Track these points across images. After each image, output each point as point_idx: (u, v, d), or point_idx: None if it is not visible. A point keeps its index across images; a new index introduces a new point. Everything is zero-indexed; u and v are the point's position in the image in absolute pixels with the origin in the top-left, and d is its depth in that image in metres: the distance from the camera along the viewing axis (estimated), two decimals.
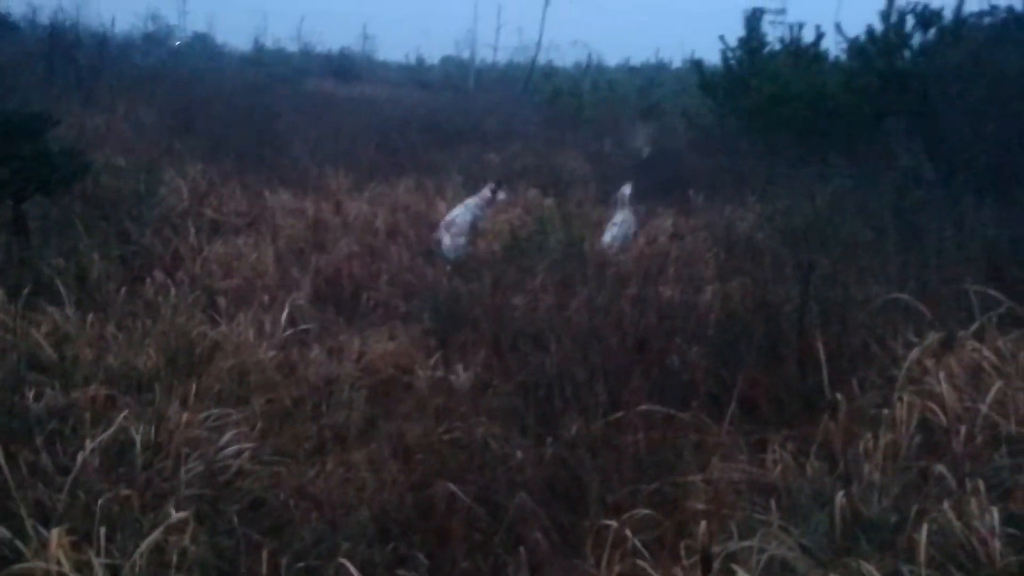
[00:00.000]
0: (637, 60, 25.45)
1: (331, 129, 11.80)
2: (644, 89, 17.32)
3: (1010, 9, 10.06)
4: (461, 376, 4.30)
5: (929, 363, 3.24)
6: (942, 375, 3.02)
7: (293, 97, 16.12)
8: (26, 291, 4.31)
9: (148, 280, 5.09)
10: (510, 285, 5.23)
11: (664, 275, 5.63)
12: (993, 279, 4.33)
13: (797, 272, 4.19)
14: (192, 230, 6.10)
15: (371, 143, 10.93)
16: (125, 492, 2.71)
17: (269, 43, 29.08)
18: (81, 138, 8.87)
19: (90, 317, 4.39)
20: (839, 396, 3.19)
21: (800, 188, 7.44)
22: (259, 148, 9.45)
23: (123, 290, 4.84)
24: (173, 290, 4.88)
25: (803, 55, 11.06)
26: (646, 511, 2.78)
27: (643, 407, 3.60)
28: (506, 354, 4.46)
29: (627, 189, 6.88)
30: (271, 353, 4.37)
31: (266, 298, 5.09)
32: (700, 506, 2.80)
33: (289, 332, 4.69)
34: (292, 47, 29.25)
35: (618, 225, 6.56)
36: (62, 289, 4.51)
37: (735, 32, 11.73)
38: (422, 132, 12.33)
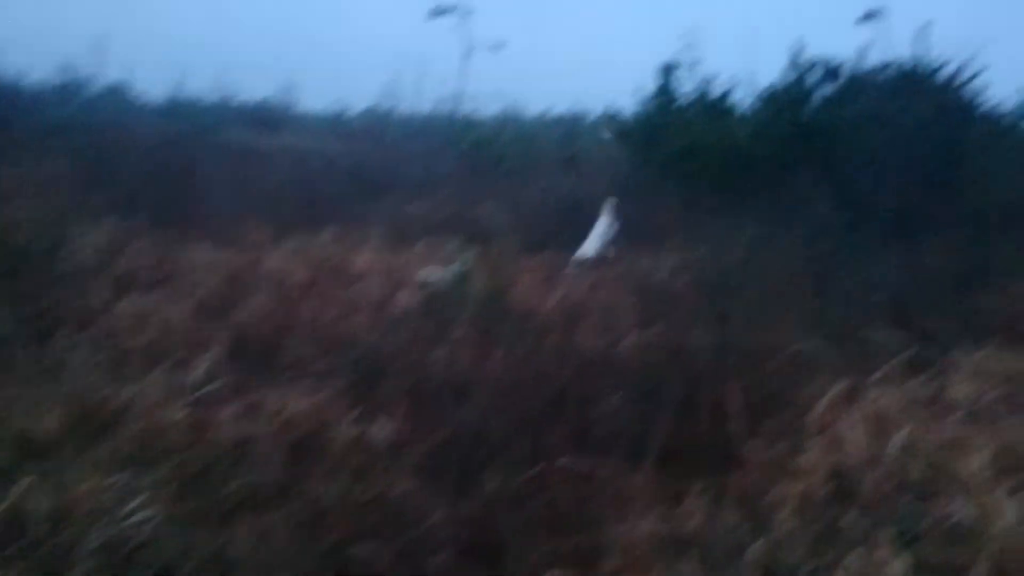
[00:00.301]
0: (557, 110, 25.81)
1: (251, 181, 11.64)
2: (563, 139, 17.59)
3: (901, 66, 10.61)
4: (380, 432, 4.24)
5: (838, 410, 3.32)
6: (851, 422, 3.09)
7: (212, 148, 15.89)
8: None
9: (55, 338, 4.91)
10: (430, 338, 5.21)
11: (584, 324, 5.70)
12: (898, 323, 4.50)
13: (712, 321, 4.28)
14: (103, 286, 5.93)
15: (291, 195, 10.82)
16: (22, 568, 2.58)
17: (188, 94, 28.64)
18: None
19: None
20: (751, 446, 3.24)
21: (715, 237, 7.65)
22: (176, 201, 9.26)
23: (28, 350, 4.67)
24: (81, 349, 4.72)
25: (714, 107, 11.41)
26: (563, 571, 2.77)
27: (563, 459, 3.60)
28: (426, 408, 4.43)
29: (611, 201, 7.91)
30: (183, 413, 4.25)
31: (179, 355, 4.96)
32: (618, 562, 2.79)
33: (203, 390, 4.57)
34: (212, 98, 28.86)
35: (600, 233, 7.36)
36: None
37: (650, 84, 12.08)
38: (344, 183, 12.27)
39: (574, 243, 8.55)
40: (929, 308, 4.79)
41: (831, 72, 10.84)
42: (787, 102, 10.64)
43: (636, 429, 3.97)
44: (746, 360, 3.93)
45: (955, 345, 4.10)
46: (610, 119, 13.18)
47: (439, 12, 21.64)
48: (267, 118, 24.26)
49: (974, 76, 10.36)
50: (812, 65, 10.78)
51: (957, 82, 10.44)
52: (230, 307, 6.02)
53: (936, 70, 10.47)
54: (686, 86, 11.88)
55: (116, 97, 28.88)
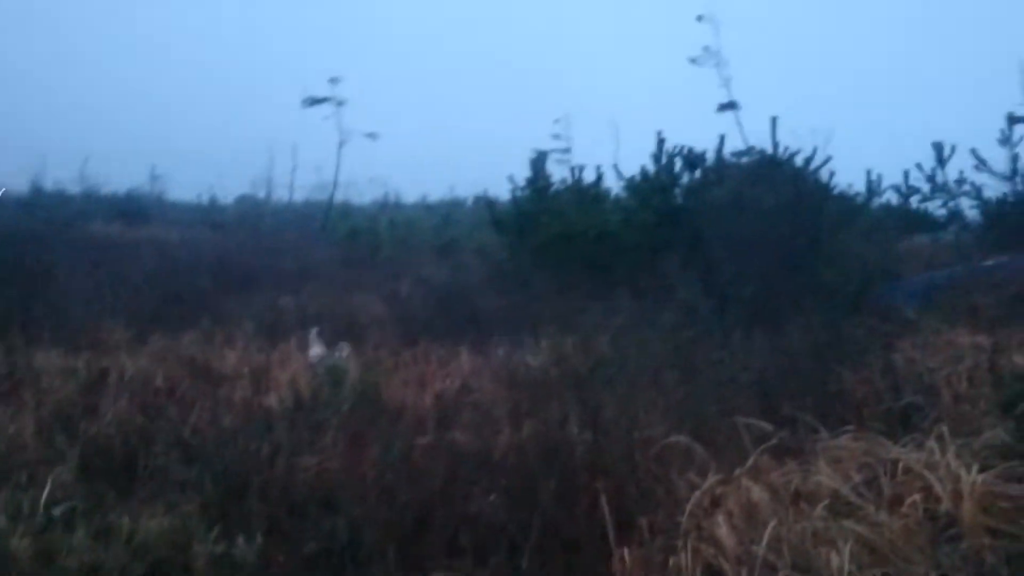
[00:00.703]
0: (433, 197, 26.08)
1: (113, 277, 11.19)
2: (440, 226, 17.72)
3: (762, 152, 11.16)
4: (245, 550, 4.01)
5: (709, 506, 3.33)
6: (721, 518, 3.10)
7: (73, 243, 15.27)
8: None
9: None
10: (299, 443, 5.02)
11: (459, 420, 5.63)
12: (765, 410, 4.60)
13: (584, 416, 4.28)
14: None
15: (156, 291, 10.43)
16: None
17: (49, 185, 27.56)
18: None
19: None
20: (627, 545, 3.21)
21: (587, 324, 7.75)
22: (27, 303, 8.77)
23: None
24: None
25: (586, 194, 11.72)
26: None
27: (437, 572, 3.49)
28: (295, 520, 4.24)
29: (314, 332, 7.62)
30: (27, 541, 3.92)
31: (25, 476, 4.60)
32: None
33: (51, 512, 4.24)
34: (75, 189, 27.85)
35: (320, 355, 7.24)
36: None
37: (525, 168, 12.35)
38: (213, 276, 11.94)
39: (451, 334, 8.51)
40: (792, 392, 4.92)
41: (694, 160, 11.34)
42: (654, 189, 11.03)
43: (511, 531, 3.90)
44: (619, 455, 3.92)
45: (818, 430, 4.20)
46: (486, 205, 13.34)
47: (313, 102, 21.76)
48: (134, 209, 23.56)
49: (826, 161, 11.03)
50: (676, 153, 11.26)
51: (812, 166, 11.08)
52: (84, 417, 5.66)
53: (792, 155, 11.08)
54: (558, 173, 12.22)
55: None
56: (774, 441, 4.06)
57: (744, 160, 12.21)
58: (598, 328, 7.72)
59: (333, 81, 21.88)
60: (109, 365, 6.79)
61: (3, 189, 26.10)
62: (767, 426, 4.13)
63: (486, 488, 4.29)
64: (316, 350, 7.37)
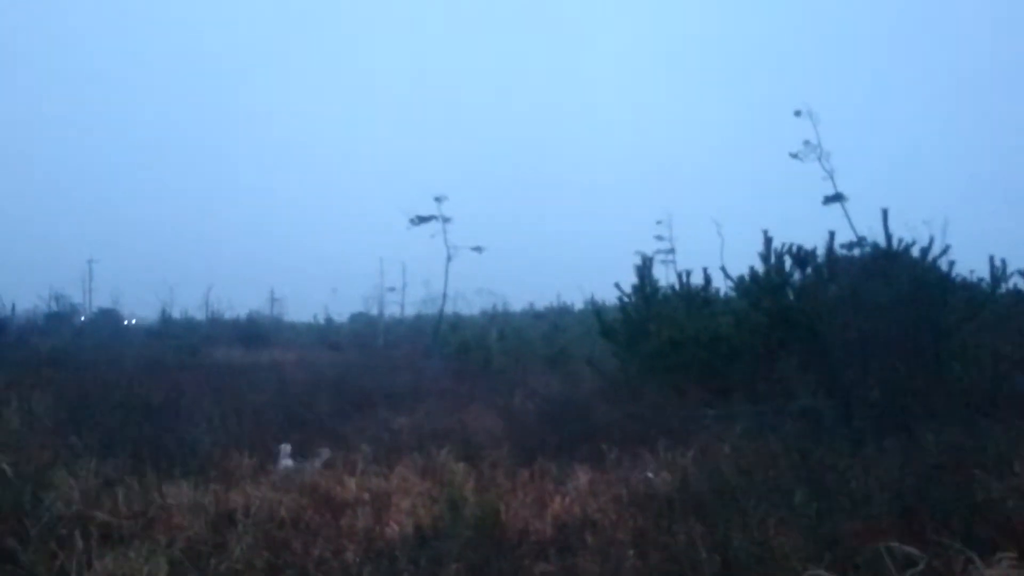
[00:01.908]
0: (541, 304, 26.31)
1: (236, 403, 11.56)
2: (549, 334, 17.76)
3: (875, 245, 10.85)
4: None
5: None
6: None
7: (198, 370, 15.94)
8: None
9: None
10: None
11: (582, 544, 5.50)
12: (907, 532, 4.33)
13: (712, 544, 4.12)
14: (80, 542, 5.69)
15: (277, 418, 10.71)
16: None
17: (177, 313, 29.13)
18: None
19: None
20: None
21: (706, 434, 7.54)
22: (158, 435, 9.12)
23: None
24: None
25: (694, 298, 11.59)
26: None
27: None
28: None
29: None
30: None
31: None
32: None
33: None
34: (200, 315, 29.34)
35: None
36: None
37: (629, 270, 12.36)
38: (330, 398, 12.20)
39: (566, 448, 8.42)
40: (934, 508, 4.63)
41: (804, 257, 11.08)
42: (765, 289, 10.81)
43: None
44: None
45: (970, 557, 3.92)
46: (594, 314, 13.35)
47: (420, 220, 22.45)
48: (254, 332, 24.52)
49: (945, 250, 10.62)
50: (785, 251, 11.03)
51: (929, 257, 10.68)
52: (213, 553, 5.77)
53: (908, 247, 10.72)
54: (663, 275, 12.19)
55: (107, 320, 29.35)
56: (921, 566, 3.81)
57: (856, 253, 11.91)
58: (717, 439, 7.51)
59: (439, 199, 22.58)
60: (235, 499, 6.92)
61: (133, 319, 27.67)
62: (913, 552, 3.87)
63: None
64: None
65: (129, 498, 7.00)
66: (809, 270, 11.06)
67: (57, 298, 28.15)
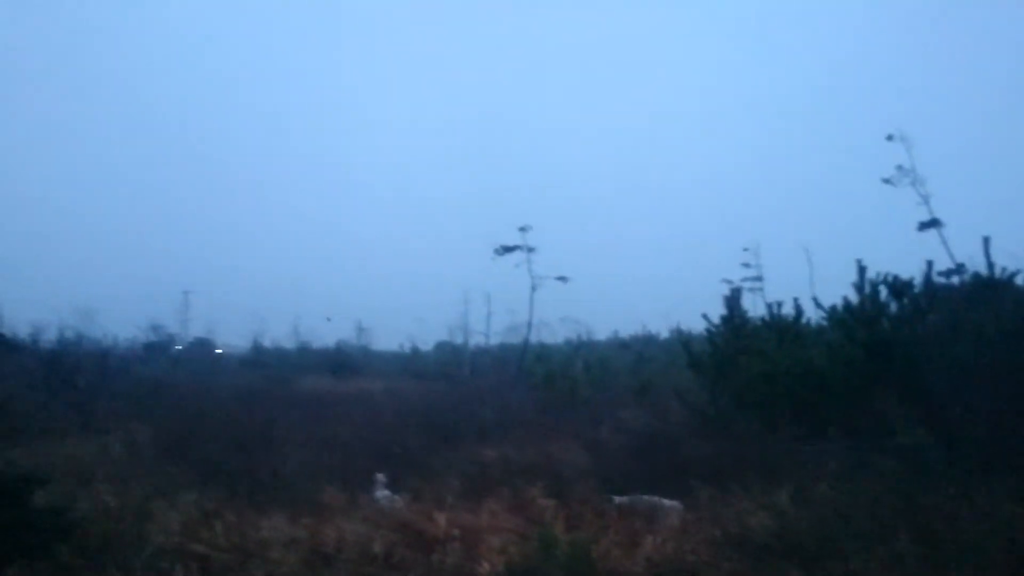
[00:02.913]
0: (626, 332, 26.10)
1: (326, 435, 11.75)
2: (635, 365, 17.59)
3: (976, 274, 10.43)
4: None
5: None
6: None
7: (289, 399, 16.25)
8: None
9: None
10: None
11: None
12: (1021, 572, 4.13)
13: None
14: (181, 573, 5.85)
15: (366, 450, 10.84)
16: None
17: (268, 342, 29.84)
18: (73, 468, 8.84)
19: None
20: None
21: (799, 473, 7.33)
22: (253, 467, 9.32)
23: None
24: None
25: (786, 330, 11.32)
26: None
27: None
28: None
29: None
30: None
31: None
32: None
33: None
34: (290, 344, 29.99)
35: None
36: None
37: (716, 298, 12.16)
38: (418, 431, 12.29)
39: (655, 483, 8.30)
40: None
41: (901, 287, 10.70)
42: (860, 320, 10.49)
43: None
44: None
45: None
46: (682, 345, 13.17)
47: (505, 250, 22.58)
48: (343, 362, 24.93)
49: None
50: (881, 280, 10.67)
51: None
52: None
53: (1012, 275, 10.29)
54: (751, 304, 11.94)
55: (202, 349, 30.29)
56: None
57: (955, 281, 11.47)
58: (812, 477, 7.30)
59: (523, 229, 22.67)
60: (329, 532, 7.01)
61: (179, 348, 28.53)
62: None
63: None
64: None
65: (227, 530, 7.18)
66: (906, 300, 10.69)
67: (155, 328, 29.15)
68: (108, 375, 16.89)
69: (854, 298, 10.83)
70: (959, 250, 11.48)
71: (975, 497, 5.78)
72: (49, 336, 19.97)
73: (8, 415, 10.65)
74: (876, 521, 5.25)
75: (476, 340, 28.51)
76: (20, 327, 20.68)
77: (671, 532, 6.92)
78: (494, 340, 28.37)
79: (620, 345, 23.91)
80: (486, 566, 6.16)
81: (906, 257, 11.04)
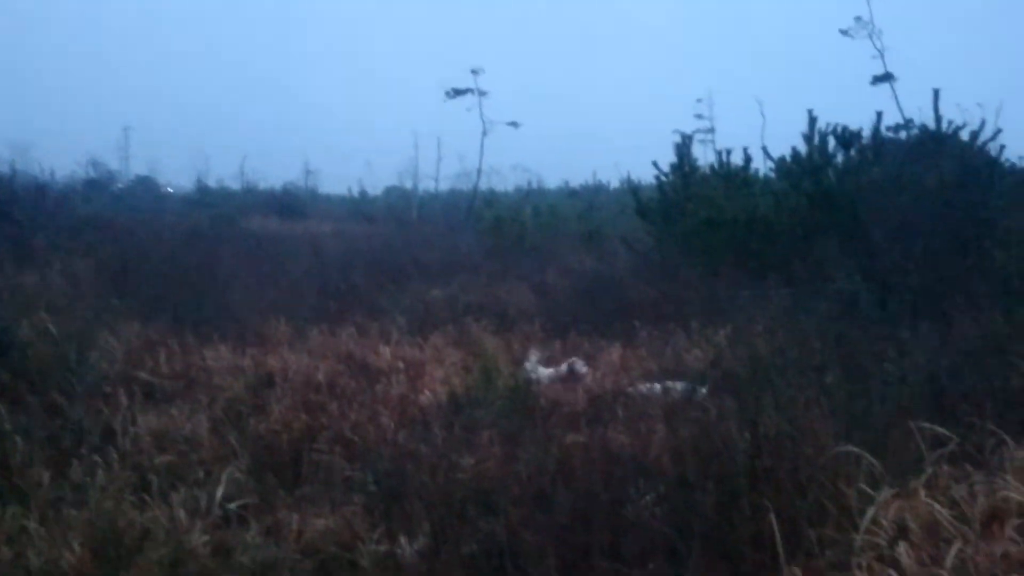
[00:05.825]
0: (576, 182, 26.04)
1: (273, 273, 11.70)
2: (584, 213, 17.64)
3: (923, 127, 10.49)
4: (407, 549, 4.11)
5: (884, 523, 3.15)
6: (901, 547, 2.92)
7: (235, 239, 16.07)
8: None
9: (75, 461, 4.86)
10: (455, 443, 5.09)
11: (612, 416, 5.60)
12: (939, 413, 4.33)
13: (744, 420, 4.14)
14: (124, 399, 5.88)
15: (313, 286, 10.83)
16: None
17: (212, 182, 29.23)
18: (12, 300, 8.70)
19: (10, 510, 4.17)
20: (797, 564, 3.09)
21: (739, 314, 7.52)
22: (198, 300, 9.27)
23: (48, 475, 4.62)
24: (101, 472, 4.66)
25: (734, 178, 11.37)
26: None
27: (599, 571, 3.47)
28: (454, 521, 4.29)
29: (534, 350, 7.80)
30: (205, 537, 4.15)
31: (201, 473, 4.88)
32: None
33: (226, 508, 4.48)
34: (236, 185, 29.42)
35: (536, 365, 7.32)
36: None
37: (667, 149, 12.10)
38: (365, 270, 12.29)
39: (597, 326, 8.48)
40: (968, 392, 4.62)
41: (849, 138, 10.74)
42: (806, 170, 10.56)
43: (671, 537, 3.82)
44: (784, 465, 3.77)
45: (1002, 437, 3.92)
46: (631, 192, 13.17)
47: (456, 93, 22.11)
48: (290, 203, 24.60)
49: (996, 134, 10.27)
50: (829, 131, 10.69)
51: (979, 141, 10.35)
52: (253, 415, 5.94)
53: (957, 130, 10.38)
54: (703, 155, 11.91)
55: (145, 188, 29.55)
56: (951, 446, 3.83)
57: (903, 136, 11.54)
58: (750, 319, 7.50)
59: (475, 72, 22.14)
60: (274, 363, 7.07)
61: (170, 188, 27.81)
62: (943, 432, 3.88)
63: (643, 489, 4.24)
64: (533, 361, 7.50)
65: (170, 359, 7.20)
66: (853, 152, 10.75)
67: (95, 165, 28.32)
68: (46, 210, 16.44)
69: (803, 149, 10.88)
70: (912, 106, 11.49)
71: (902, 339, 5.99)
72: None
73: None
74: (808, 357, 5.44)
75: (426, 185, 28.32)
76: None
77: (610, 366, 7.12)
78: (444, 186, 28.20)
79: (570, 194, 23.91)
80: (428, 395, 6.29)
81: (859, 111, 11.02)
